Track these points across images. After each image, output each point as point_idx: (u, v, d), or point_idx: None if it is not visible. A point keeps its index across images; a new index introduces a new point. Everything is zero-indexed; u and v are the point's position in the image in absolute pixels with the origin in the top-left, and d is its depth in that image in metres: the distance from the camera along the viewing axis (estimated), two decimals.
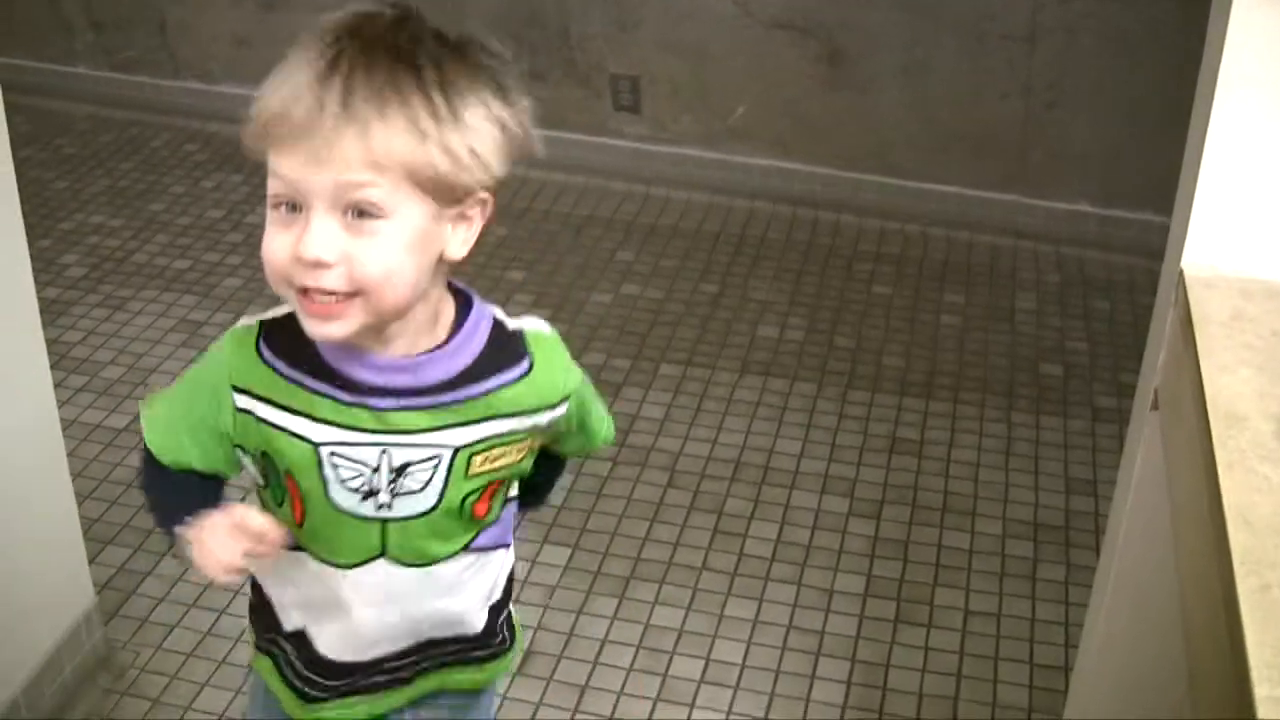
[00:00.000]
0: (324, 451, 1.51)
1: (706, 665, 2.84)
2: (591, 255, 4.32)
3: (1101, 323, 4.03)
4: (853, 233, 4.49)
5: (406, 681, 1.75)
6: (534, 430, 1.60)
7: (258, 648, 1.78)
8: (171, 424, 1.58)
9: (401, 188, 1.37)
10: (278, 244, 1.39)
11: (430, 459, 1.53)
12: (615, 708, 2.74)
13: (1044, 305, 4.12)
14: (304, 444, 1.51)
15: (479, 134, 1.40)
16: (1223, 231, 1.81)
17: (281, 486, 1.57)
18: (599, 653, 2.86)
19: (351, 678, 1.71)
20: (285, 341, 1.51)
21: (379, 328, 1.45)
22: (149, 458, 1.62)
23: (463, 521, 1.61)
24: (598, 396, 1.72)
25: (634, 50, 4.58)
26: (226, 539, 1.48)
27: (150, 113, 5.20)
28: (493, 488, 1.61)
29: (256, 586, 1.74)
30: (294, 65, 1.36)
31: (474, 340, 1.54)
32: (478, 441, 1.55)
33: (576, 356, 1.65)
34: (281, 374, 1.51)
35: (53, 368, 2.59)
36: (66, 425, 2.71)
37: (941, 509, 3.29)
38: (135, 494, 3.26)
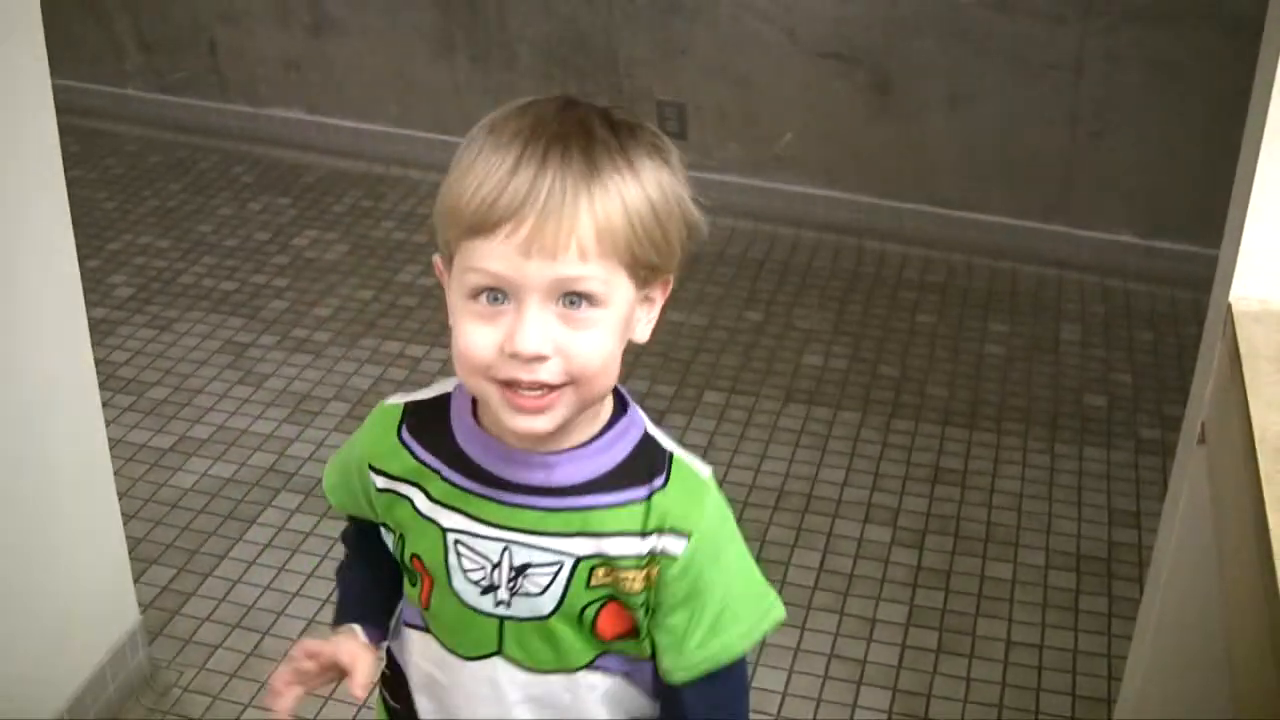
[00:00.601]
0: (450, 538, 1.48)
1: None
2: None
3: (1145, 354, 4.02)
4: (897, 261, 4.49)
5: None
6: (652, 559, 1.45)
7: (384, 703, 1.75)
8: (345, 480, 1.61)
9: (617, 273, 1.33)
10: (481, 338, 1.33)
11: (552, 564, 1.46)
12: None
13: (1088, 336, 4.11)
14: (433, 528, 1.49)
15: (670, 214, 1.38)
16: (1272, 265, 1.80)
17: (410, 567, 1.55)
18: None
19: None
20: (425, 425, 1.51)
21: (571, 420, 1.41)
22: (345, 535, 1.71)
23: (583, 634, 1.51)
24: (743, 613, 1.55)
25: (681, 77, 4.60)
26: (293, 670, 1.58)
27: (199, 135, 5.24)
28: (615, 606, 1.49)
29: (390, 656, 1.71)
30: (483, 154, 1.31)
31: (617, 446, 1.46)
32: (598, 556, 1.45)
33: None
34: (418, 458, 1.50)
35: (99, 387, 2.61)
36: (112, 445, 2.73)
37: (984, 539, 3.28)
38: (180, 514, 3.29)
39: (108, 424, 2.68)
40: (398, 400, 1.55)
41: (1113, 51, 4.13)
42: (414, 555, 1.52)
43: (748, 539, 3.05)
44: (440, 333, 3.99)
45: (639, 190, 1.33)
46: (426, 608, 1.55)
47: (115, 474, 2.70)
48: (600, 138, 1.33)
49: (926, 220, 4.54)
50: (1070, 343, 4.08)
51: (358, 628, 1.63)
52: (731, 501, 3.31)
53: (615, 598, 1.48)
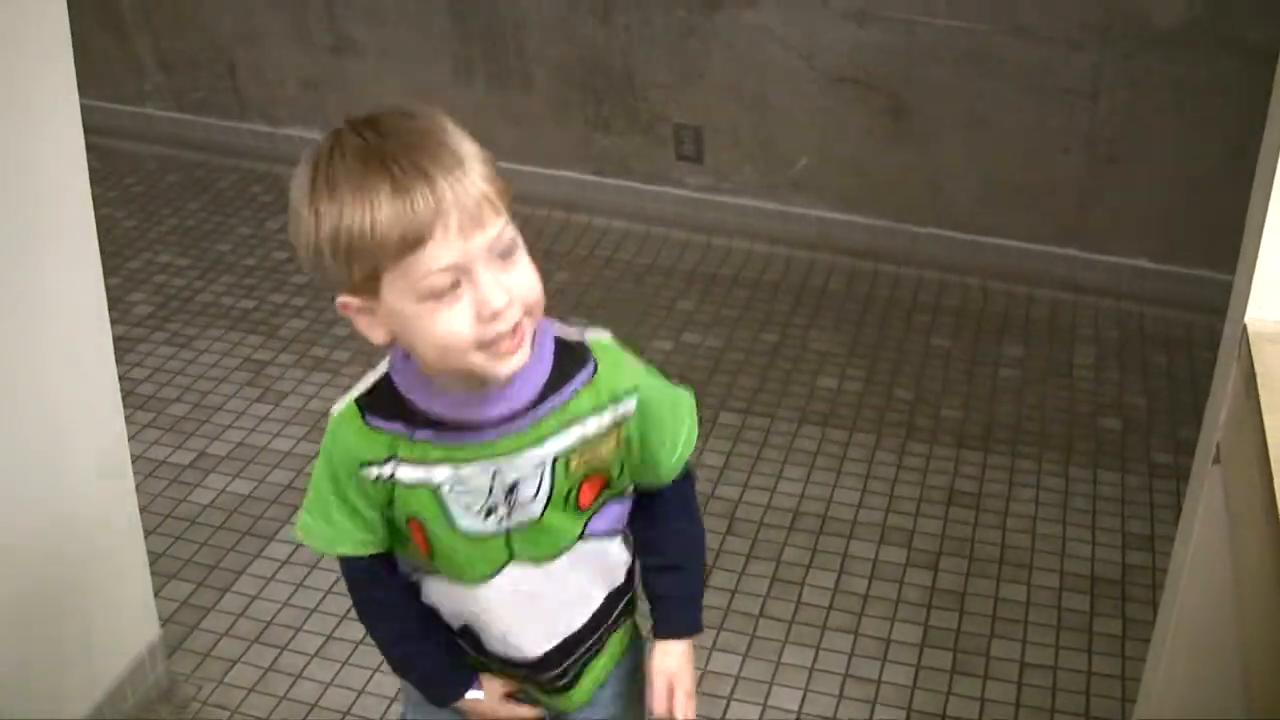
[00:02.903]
0: (444, 489, 1.69)
1: (763, 712, 2.86)
2: (652, 303, 4.35)
3: (1160, 378, 4.03)
4: (912, 285, 4.50)
5: (570, 686, 1.93)
6: (615, 425, 1.71)
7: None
8: (327, 520, 1.76)
9: (505, 214, 1.53)
10: (456, 319, 1.51)
11: (535, 471, 1.68)
12: None
13: (1102, 360, 4.12)
14: (424, 488, 1.69)
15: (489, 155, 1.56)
16: None
17: (401, 532, 1.75)
18: None
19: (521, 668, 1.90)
20: (383, 407, 1.68)
21: None
22: (351, 586, 1.88)
23: (570, 513, 1.74)
24: (683, 416, 1.80)
25: (698, 100, 4.61)
26: None
27: (218, 154, 5.26)
28: (593, 480, 1.74)
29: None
30: (352, 194, 1.47)
31: (544, 353, 1.67)
32: (569, 447, 1.69)
33: None
34: (394, 433, 1.67)
35: (120, 404, 2.63)
36: (132, 460, 2.74)
37: (999, 561, 3.29)
38: (199, 529, 3.31)
39: (128, 440, 2.70)
40: (342, 404, 1.72)
41: (1130, 77, 4.14)
42: (410, 517, 1.71)
43: (764, 559, 3.08)
44: None
45: (471, 143, 1.53)
46: (430, 557, 1.76)
47: (135, 489, 2.72)
48: (412, 124, 1.52)
49: (941, 244, 4.56)
50: (1084, 366, 4.09)
51: (477, 693, 1.94)
52: (746, 522, 3.35)
53: (590, 472, 1.73)
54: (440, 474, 1.67)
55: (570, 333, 1.72)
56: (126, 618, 2.75)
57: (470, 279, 1.49)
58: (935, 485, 3.54)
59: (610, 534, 1.83)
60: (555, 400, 1.67)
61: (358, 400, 1.70)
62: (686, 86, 4.60)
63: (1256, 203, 1.88)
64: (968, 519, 3.42)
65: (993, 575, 3.24)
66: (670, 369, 3.89)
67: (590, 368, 1.69)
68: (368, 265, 1.48)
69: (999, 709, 2.88)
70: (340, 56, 4.97)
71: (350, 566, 1.82)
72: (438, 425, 1.65)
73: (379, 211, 1.45)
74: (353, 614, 3.01)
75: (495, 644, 1.85)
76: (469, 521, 1.71)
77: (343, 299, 1.56)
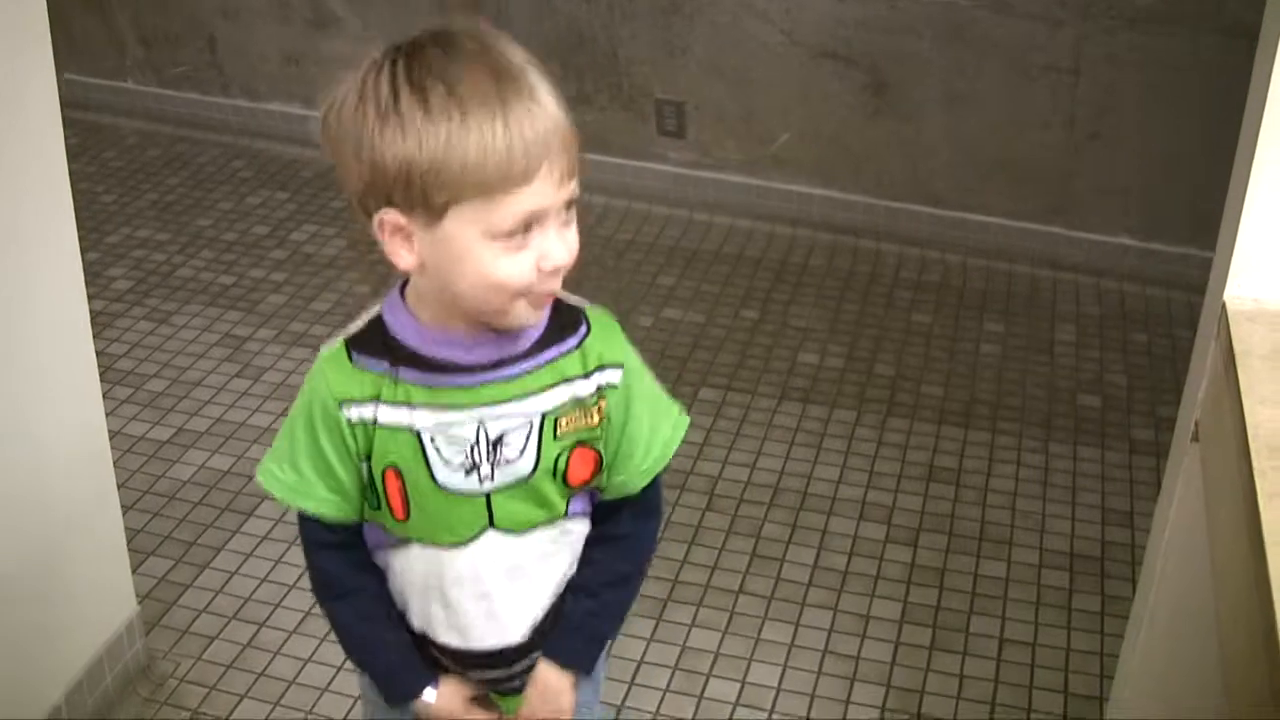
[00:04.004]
0: (425, 435, 1.63)
1: (742, 689, 2.85)
2: (633, 279, 4.34)
3: (1140, 355, 4.03)
4: (894, 261, 4.50)
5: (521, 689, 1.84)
6: (599, 393, 1.67)
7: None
8: (294, 467, 1.70)
9: None
10: (518, 264, 1.49)
11: (522, 425, 1.64)
12: None
13: (1083, 337, 4.12)
14: (406, 433, 1.63)
15: None
16: (1266, 265, 1.82)
17: (376, 490, 1.67)
18: (635, 674, 2.87)
19: (473, 669, 1.82)
20: (371, 346, 1.63)
21: None
22: (309, 552, 1.79)
23: (557, 485, 1.70)
24: (666, 422, 1.76)
25: (680, 76, 4.61)
26: None
27: (198, 129, 5.25)
28: (580, 452, 1.69)
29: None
30: (470, 118, 1.43)
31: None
32: (558, 405, 1.65)
33: None
34: (379, 372, 1.62)
35: (99, 379, 2.62)
36: (110, 436, 2.73)
37: (978, 538, 3.29)
38: (178, 505, 3.30)
39: (106, 416, 2.69)
40: (331, 343, 1.67)
41: (1111, 54, 4.14)
42: (388, 467, 1.65)
43: (743, 535, 3.08)
44: None
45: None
46: (404, 519, 1.68)
47: (113, 465, 2.71)
48: (522, 62, 1.50)
49: (923, 220, 4.56)
50: (1065, 343, 4.09)
51: (435, 690, 1.83)
52: (726, 498, 3.35)
53: (580, 441, 1.68)
54: (423, 418, 1.62)
55: (569, 297, 1.68)
56: (103, 594, 2.74)
57: (543, 228, 1.49)
58: (915, 462, 3.54)
59: (585, 515, 1.78)
60: (545, 355, 1.64)
61: (346, 340, 1.65)
62: (669, 62, 4.59)
63: (1236, 181, 1.89)
64: (948, 495, 3.42)
65: (972, 552, 3.25)
66: (651, 344, 3.91)
67: (583, 331, 1.67)
68: (452, 190, 1.45)
69: (978, 685, 2.89)
70: (321, 31, 4.95)
71: (311, 530, 1.75)
72: (424, 365, 1.61)
73: (500, 138, 1.43)
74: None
75: (457, 633, 1.76)
76: (449, 476, 1.65)
77: (387, 216, 1.50)
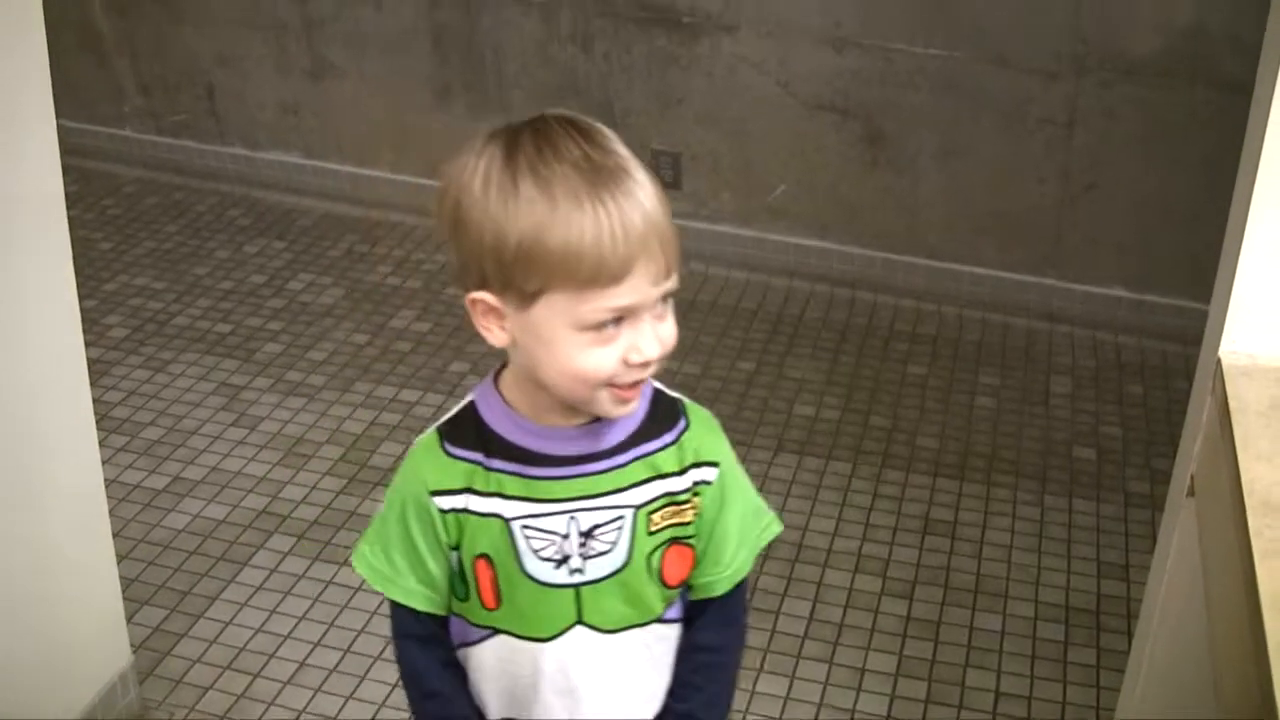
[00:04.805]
0: (515, 525, 1.60)
1: None
2: None
3: (1135, 408, 4.04)
4: (889, 313, 4.51)
5: None
6: (693, 490, 1.64)
7: None
8: (386, 556, 1.67)
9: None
10: (604, 357, 1.47)
11: (615, 520, 1.61)
12: None
13: (1078, 389, 4.13)
14: (496, 520, 1.60)
15: None
16: (1261, 320, 1.82)
17: (466, 579, 1.65)
18: None
19: None
20: (465, 435, 1.62)
21: None
22: (400, 643, 1.75)
23: (653, 584, 1.66)
24: (757, 527, 1.73)
25: (676, 126, 4.62)
26: None
27: (196, 177, 5.27)
28: (677, 550, 1.66)
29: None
30: (560, 205, 1.42)
31: (641, 402, 1.61)
32: (651, 500, 1.62)
33: None
34: (473, 463, 1.60)
35: (95, 427, 2.62)
36: (106, 485, 2.73)
37: (974, 590, 3.29)
38: (173, 555, 3.30)
39: (102, 463, 2.69)
40: (426, 433, 1.65)
41: (1106, 107, 4.16)
42: (478, 556, 1.62)
43: None
44: (434, 378, 4.01)
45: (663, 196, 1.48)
46: (495, 608, 1.65)
47: (108, 514, 2.71)
48: (621, 153, 1.48)
49: (918, 272, 4.57)
50: (1060, 395, 4.10)
51: None
52: None
53: (675, 539, 1.65)
54: (514, 508, 1.60)
55: (669, 390, 1.67)
56: (98, 644, 2.73)
57: (634, 322, 1.46)
58: (911, 514, 3.54)
59: (679, 621, 1.74)
60: (640, 449, 1.61)
61: (439, 428, 1.64)
62: (665, 113, 4.61)
63: (1231, 236, 1.89)
64: (943, 548, 3.42)
65: (968, 605, 3.24)
66: None
67: (681, 426, 1.64)
68: (542, 278, 1.44)
69: None
70: (319, 81, 4.97)
71: (400, 619, 1.71)
72: (517, 456, 1.59)
73: (590, 234, 1.41)
74: (327, 640, 3.05)
75: None
76: (538, 567, 1.61)
77: (480, 296, 1.49)
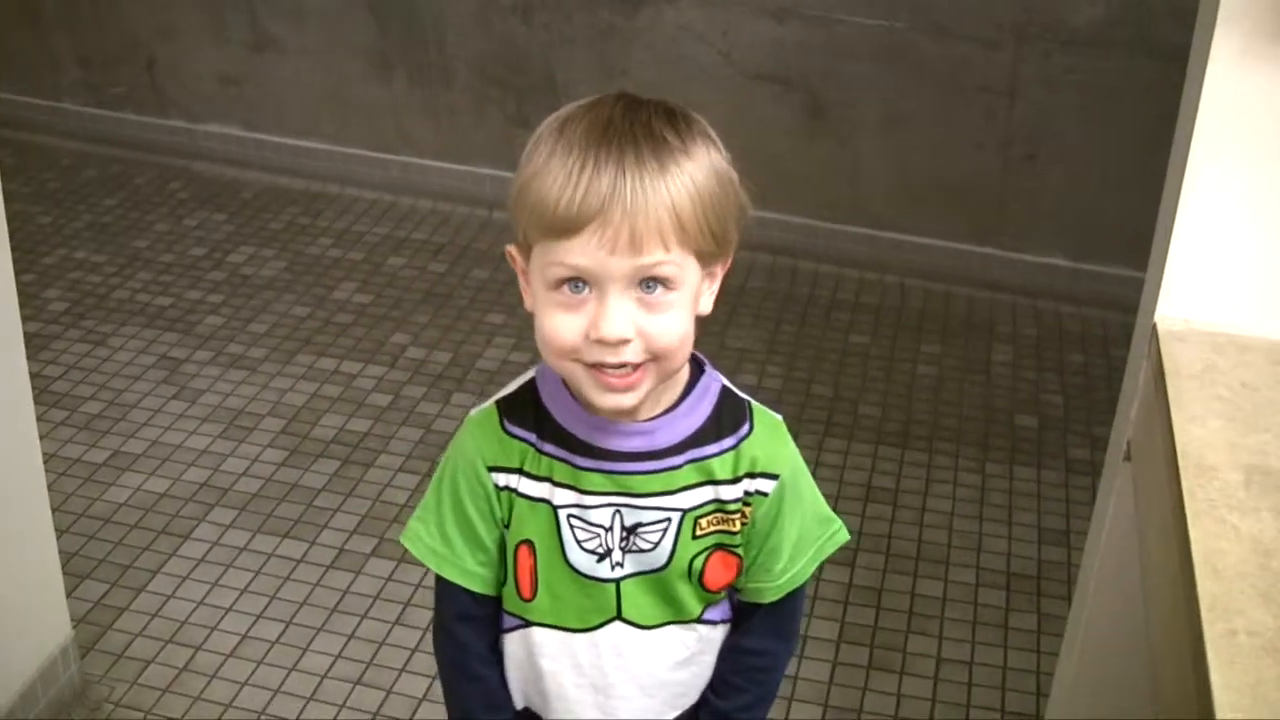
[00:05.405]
0: (562, 514, 1.57)
1: None
2: None
3: (1076, 376, 4.06)
4: (831, 282, 4.52)
5: None
6: (744, 500, 1.60)
7: None
8: (441, 534, 1.64)
9: (688, 258, 1.43)
10: (565, 325, 1.43)
11: (661, 521, 1.58)
12: None
13: (1020, 358, 4.15)
14: (544, 507, 1.58)
15: (728, 197, 1.49)
16: (1195, 286, 1.84)
17: (506, 565, 1.63)
18: None
19: None
20: (523, 413, 1.59)
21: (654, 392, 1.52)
22: (448, 627, 1.70)
23: (693, 587, 1.63)
24: (820, 539, 1.68)
25: None
26: None
27: (135, 150, 5.22)
28: (721, 557, 1.62)
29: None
30: (556, 155, 1.40)
31: (703, 403, 1.58)
32: (701, 505, 1.58)
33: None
34: (528, 443, 1.58)
35: (33, 401, 2.60)
36: (45, 459, 2.72)
37: (915, 557, 3.30)
38: (113, 529, 3.28)
39: (41, 438, 2.67)
40: (485, 405, 1.62)
41: (1046, 76, 4.17)
42: (523, 541, 1.60)
43: None
44: (376, 350, 3.99)
45: (705, 180, 1.44)
46: (531, 599, 1.63)
47: (48, 488, 2.69)
48: (665, 136, 1.43)
49: (860, 242, 4.57)
50: (1002, 364, 4.11)
51: None
52: None
53: (720, 545, 1.61)
54: (562, 496, 1.57)
55: (739, 392, 1.63)
56: (38, 619, 2.72)
57: (600, 295, 1.41)
58: (853, 482, 3.55)
59: (724, 623, 1.71)
60: (699, 452, 1.57)
61: (498, 403, 1.61)
62: (607, 84, 4.59)
63: (1167, 202, 1.90)
64: (885, 515, 3.44)
65: (910, 571, 3.26)
66: None
67: (744, 431, 1.59)
68: (525, 224, 1.43)
69: (915, 704, 2.90)
70: (260, 53, 4.94)
71: (456, 600, 1.66)
72: (569, 444, 1.56)
73: (559, 181, 1.38)
74: (269, 613, 3.05)
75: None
76: (581, 558, 1.59)
77: (510, 248, 1.51)
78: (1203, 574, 1.38)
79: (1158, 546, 1.60)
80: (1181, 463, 1.56)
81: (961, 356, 4.15)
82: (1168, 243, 1.83)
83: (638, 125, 1.42)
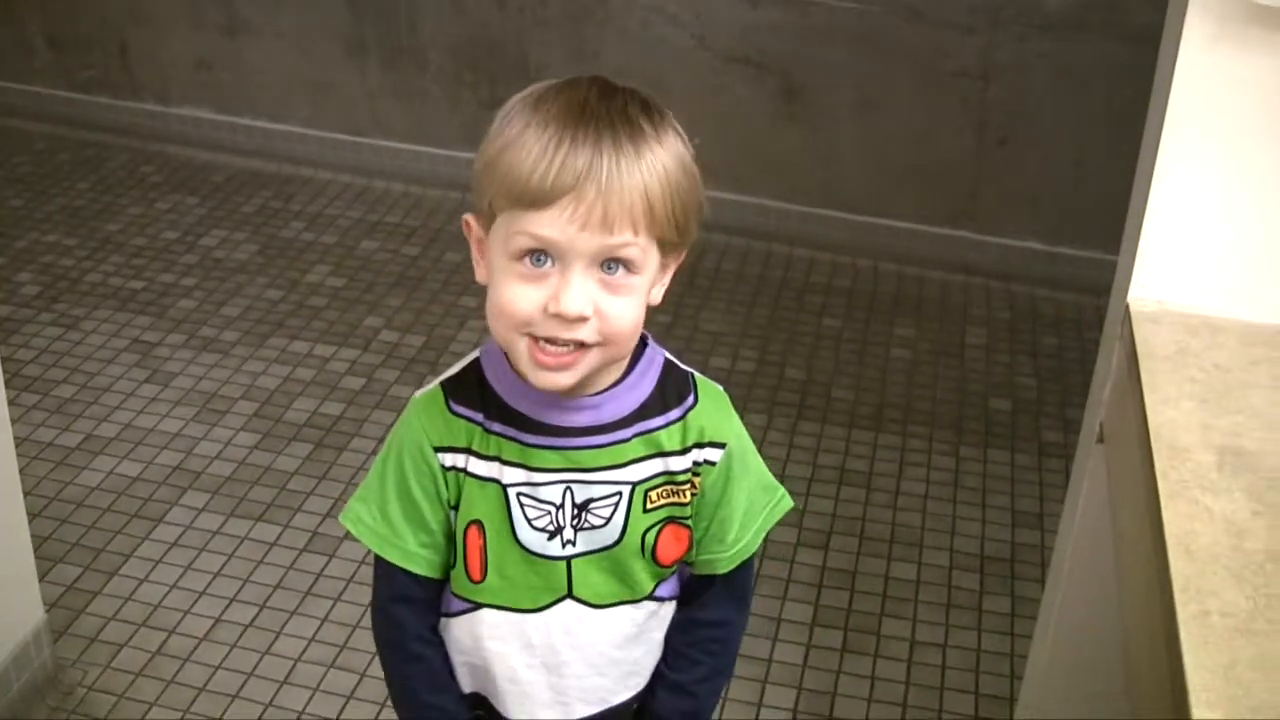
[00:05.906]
0: (512, 492, 1.57)
1: None
2: None
3: (1050, 359, 4.07)
4: (805, 266, 4.52)
5: None
6: (694, 470, 1.61)
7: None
8: (384, 515, 1.63)
9: (652, 244, 1.45)
10: (523, 295, 1.43)
11: (612, 495, 1.58)
12: None
13: (993, 341, 4.16)
14: (494, 486, 1.57)
15: (694, 189, 1.50)
16: (1168, 268, 1.84)
17: (457, 545, 1.62)
18: None
19: None
20: (468, 393, 1.58)
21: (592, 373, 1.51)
22: (388, 608, 1.70)
23: (645, 562, 1.64)
24: (768, 508, 1.69)
25: None
26: None
27: (108, 133, 5.20)
28: (672, 530, 1.63)
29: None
30: (532, 128, 1.41)
31: (647, 377, 1.59)
32: (651, 477, 1.59)
33: None
34: (475, 422, 1.57)
35: (4, 385, 2.59)
36: (18, 443, 2.71)
37: (889, 540, 3.31)
38: (86, 512, 3.27)
39: (13, 422, 2.66)
40: (429, 386, 1.62)
41: (1020, 60, 4.18)
42: (472, 522, 1.59)
43: None
44: (348, 334, 3.99)
45: (675, 170, 1.45)
46: (480, 580, 1.62)
47: (20, 472, 2.69)
48: (640, 123, 1.44)
49: (834, 225, 4.57)
50: (976, 347, 4.12)
51: None
52: None
53: (671, 518, 1.62)
54: (511, 475, 1.56)
55: (680, 364, 1.64)
56: (10, 603, 2.71)
57: (563, 270, 1.41)
58: (827, 465, 3.55)
59: (674, 599, 1.72)
60: (643, 425, 1.58)
61: (443, 384, 1.60)
62: (580, 68, 4.58)
63: (1139, 184, 1.91)
64: (859, 498, 3.44)
65: (883, 554, 3.26)
66: None
67: (689, 403, 1.61)
68: (492, 191, 1.43)
69: (889, 687, 2.90)
70: (233, 37, 4.93)
71: (395, 582, 1.66)
72: (516, 421, 1.55)
73: (535, 153, 1.38)
74: (242, 595, 3.04)
75: (517, 706, 1.69)
76: (532, 537, 1.59)
77: (468, 216, 1.50)
78: (1175, 555, 1.39)
79: (1131, 528, 1.61)
80: (1154, 444, 1.56)
81: (935, 340, 4.15)
82: (1140, 224, 1.83)
83: (614, 110, 1.43)
